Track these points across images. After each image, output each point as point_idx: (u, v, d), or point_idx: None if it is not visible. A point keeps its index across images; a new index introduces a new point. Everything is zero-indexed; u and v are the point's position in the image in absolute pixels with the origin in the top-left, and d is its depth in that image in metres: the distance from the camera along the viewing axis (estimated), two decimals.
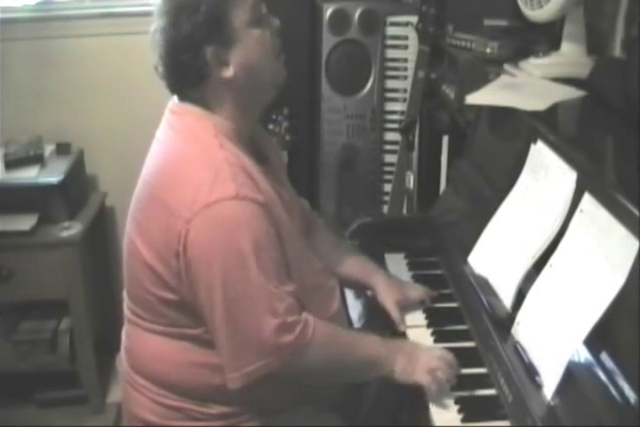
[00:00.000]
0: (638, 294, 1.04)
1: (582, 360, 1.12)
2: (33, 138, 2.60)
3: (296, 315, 1.33)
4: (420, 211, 2.36)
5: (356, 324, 1.76)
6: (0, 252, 2.38)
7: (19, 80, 2.65)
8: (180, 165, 1.36)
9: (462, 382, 1.37)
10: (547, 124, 1.48)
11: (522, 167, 1.48)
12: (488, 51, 1.95)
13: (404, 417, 1.51)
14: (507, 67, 1.85)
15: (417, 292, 1.63)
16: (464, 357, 1.41)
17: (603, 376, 1.07)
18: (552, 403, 1.15)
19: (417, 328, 1.56)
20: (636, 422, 0.98)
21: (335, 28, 2.50)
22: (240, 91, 1.38)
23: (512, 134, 1.65)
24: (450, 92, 2.13)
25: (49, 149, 2.62)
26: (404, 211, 2.44)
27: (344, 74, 2.55)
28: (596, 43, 1.76)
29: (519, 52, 1.90)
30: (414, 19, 2.35)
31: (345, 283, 1.69)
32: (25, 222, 2.40)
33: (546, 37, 1.91)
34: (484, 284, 1.46)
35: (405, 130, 2.38)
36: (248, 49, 1.36)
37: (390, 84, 2.57)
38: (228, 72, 1.35)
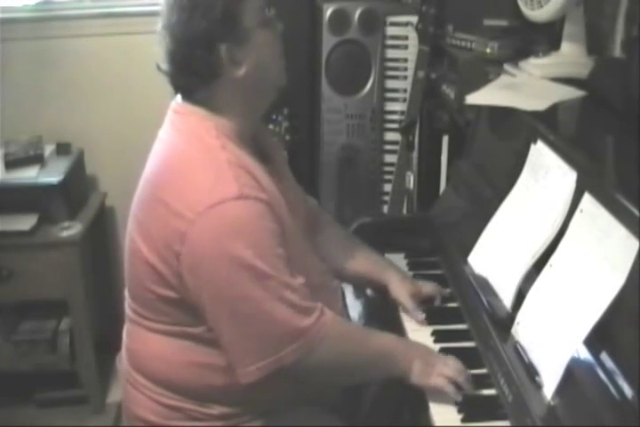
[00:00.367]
0: (638, 294, 1.04)
1: (582, 360, 1.12)
2: (33, 138, 2.60)
3: (311, 302, 1.33)
4: (420, 211, 2.36)
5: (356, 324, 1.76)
6: (0, 252, 2.38)
7: (19, 80, 2.65)
8: (182, 165, 1.36)
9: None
10: (547, 124, 1.48)
11: (522, 167, 1.48)
12: (488, 51, 1.95)
13: (404, 417, 1.51)
14: (507, 67, 1.85)
15: (430, 287, 1.64)
16: (464, 357, 1.41)
17: (603, 376, 1.07)
18: (552, 403, 1.15)
19: (417, 328, 1.56)
20: (636, 422, 0.98)
21: (335, 28, 2.50)
22: (248, 91, 1.38)
23: (512, 134, 1.65)
24: (450, 92, 2.13)
25: (49, 149, 2.62)
26: (404, 211, 2.44)
27: (344, 74, 2.55)
28: (596, 43, 1.76)
29: (519, 52, 1.90)
30: (414, 19, 2.35)
31: (356, 279, 1.70)
32: (25, 222, 2.40)
33: (546, 37, 1.91)
34: (484, 284, 1.46)
35: (405, 130, 2.38)
36: (258, 49, 1.36)
37: (390, 84, 2.57)
38: (240, 71, 1.35)
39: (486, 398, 1.33)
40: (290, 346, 1.29)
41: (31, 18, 2.64)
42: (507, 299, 1.39)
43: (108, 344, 2.51)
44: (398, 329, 1.57)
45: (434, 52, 2.30)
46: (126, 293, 1.48)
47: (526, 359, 1.24)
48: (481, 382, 1.36)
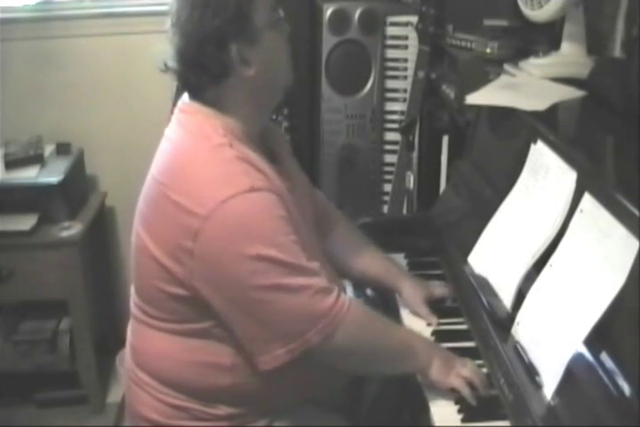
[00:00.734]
0: (638, 294, 1.04)
1: (582, 360, 1.12)
2: (33, 138, 2.60)
3: (329, 283, 1.33)
4: (420, 211, 2.36)
5: None
6: (0, 252, 2.38)
7: (19, 80, 2.65)
8: (189, 162, 1.35)
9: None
10: (547, 124, 1.48)
11: (522, 167, 1.48)
12: (488, 51, 1.95)
13: (405, 417, 1.51)
14: (507, 67, 1.85)
15: (440, 289, 1.65)
16: (464, 357, 1.41)
17: (603, 376, 1.07)
18: (552, 403, 1.15)
19: (417, 328, 1.56)
20: (636, 422, 0.98)
21: (335, 28, 2.50)
22: (256, 91, 1.38)
23: (512, 134, 1.65)
24: (450, 92, 2.13)
25: (49, 149, 2.62)
26: (404, 211, 2.44)
27: (344, 74, 2.55)
28: (596, 43, 1.76)
29: (519, 52, 1.90)
30: (414, 19, 2.35)
31: (363, 280, 1.70)
32: (25, 222, 2.40)
33: (546, 37, 1.91)
34: (484, 284, 1.46)
35: (405, 130, 2.38)
36: (268, 50, 1.36)
37: (390, 84, 2.57)
38: (250, 71, 1.34)
39: (486, 398, 1.33)
40: (315, 327, 1.29)
41: (31, 18, 2.64)
42: (507, 299, 1.39)
43: (107, 344, 2.52)
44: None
45: (434, 52, 2.30)
46: (132, 290, 1.47)
47: (526, 359, 1.24)
48: None
